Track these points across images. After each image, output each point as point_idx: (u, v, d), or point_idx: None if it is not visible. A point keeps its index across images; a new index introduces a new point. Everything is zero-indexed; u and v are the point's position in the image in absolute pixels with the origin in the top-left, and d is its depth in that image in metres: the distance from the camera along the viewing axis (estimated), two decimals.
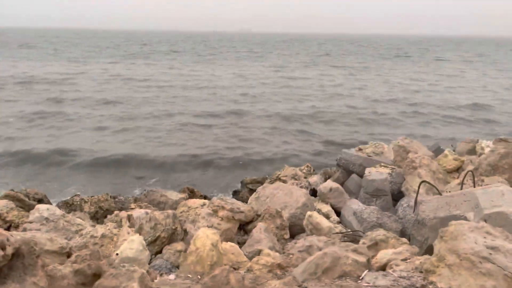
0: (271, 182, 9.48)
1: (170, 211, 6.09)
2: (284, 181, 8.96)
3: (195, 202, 7.74)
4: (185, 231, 5.81)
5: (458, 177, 6.84)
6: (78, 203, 8.00)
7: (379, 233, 3.65)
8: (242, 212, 5.11)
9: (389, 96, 25.37)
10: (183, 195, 8.39)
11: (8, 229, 6.11)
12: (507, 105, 23.27)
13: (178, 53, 62.88)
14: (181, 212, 6.73)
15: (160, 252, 5.41)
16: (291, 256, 3.76)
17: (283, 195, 6.26)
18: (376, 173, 6.12)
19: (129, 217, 5.39)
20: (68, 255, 4.68)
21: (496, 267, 2.64)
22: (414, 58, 62.61)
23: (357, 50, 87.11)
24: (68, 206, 8.04)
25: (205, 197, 9.36)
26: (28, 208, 8.00)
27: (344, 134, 16.90)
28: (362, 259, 2.87)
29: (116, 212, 5.64)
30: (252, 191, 10.89)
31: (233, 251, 3.69)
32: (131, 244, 4.64)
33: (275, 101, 23.50)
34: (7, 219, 6.34)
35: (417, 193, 4.43)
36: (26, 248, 2.52)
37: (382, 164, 7.29)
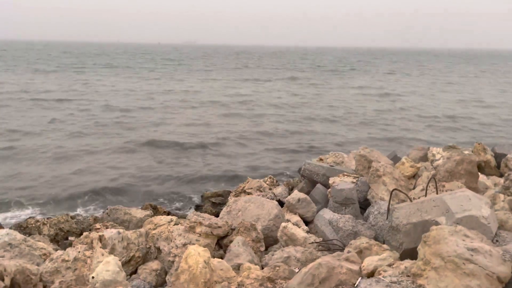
0: (236, 195, 9.51)
1: (142, 230, 5.95)
2: (249, 193, 9.01)
3: (162, 219, 7.60)
4: (159, 249, 5.70)
5: (415, 183, 7.28)
6: (35, 226, 7.56)
7: (363, 241, 3.83)
8: (220, 227, 5.11)
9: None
10: (147, 212, 8.18)
11: None
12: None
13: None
14: (152, 230, 6.59)
15: (135, 272, 5.27)
16: (277, 268, 3.82)
17: (255, 208, 6.32)
18: (344, 183, 6.37)
19: (101, 238, 5.19)
20: (40, 280, 4.44)
21: (478, 267, 2.87)
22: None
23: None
24: (23, 230, 7.56)
25: (168, 213, 9.18)
26: None
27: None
28: (355, 267, 3.01)
29: (85, 233, 5.40)
30: (214, 204, 10.87)
31: (221, 267, 3.68)
32: (107, 266, 4.49)
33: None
34: None
35: (389, 200, 4.68)
36: (21, 277, 2.37)
37: (345, 173, 7.57)
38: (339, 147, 16.33)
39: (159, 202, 11.18)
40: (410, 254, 4.12)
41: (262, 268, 4.62)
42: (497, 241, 3.68)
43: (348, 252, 3.64)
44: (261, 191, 8.92)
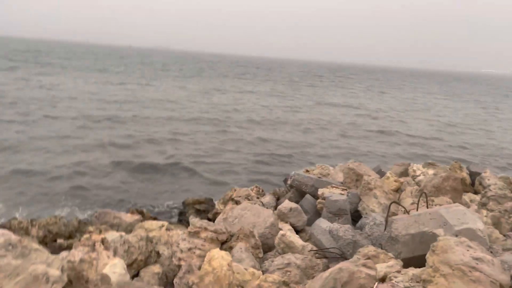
0: (224, 203, 9.64)
1: (142, 234, 5.99)
2: (238, 202, 9.17)
3: (152, 224, 7.65)
4: (158, 253, 5.76)
5: (399, 197, 7.70)
6: (21, 227, 7.40)
7: (370, 249, 4.10)
8: (224, 233, 5.26)
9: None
10: (137, 217, 8.18)
11: None
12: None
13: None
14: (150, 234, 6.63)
15: (136, 275, 5.31)
16: (288, 273, 4.01)
17: (251, 216, 6.50)
18: (337, 194, 6.67)
19: (103, 240, 5.21)
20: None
21: (483, 275, 3.19)
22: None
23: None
24: (7, 231, 7.38)
25: (155, 218, 9.19)
26: None
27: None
28: (372, 272, 3.26)
29: (86, 235, 5.38)
30: (198, 211, 10.92)
31: (238, 271, 3.84)
32: (114, 268, 4.55)
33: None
34: None
35: (388, 212, 5.00)
36: (73, 273, 2.44)
37: (333, 185, 7.89)
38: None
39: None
40: (408, 262, 4.43)
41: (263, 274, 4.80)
42: (491, 252, 4.04)
43: (358, 259, 3.90)
44: (249, 200, 9.10)
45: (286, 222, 7.27)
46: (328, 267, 5.23)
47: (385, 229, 4.95)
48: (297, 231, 7.17)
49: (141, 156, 15.55)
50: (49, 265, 3.05)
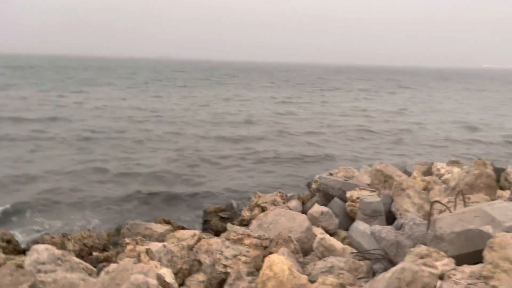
0: (250, 209, 9.70)
1: (184, 243, 6.08)
2: (264, 207, 9.24)
3: (184, 233, 7.72)
4: (199, 262, 5.83)
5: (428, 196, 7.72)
6: (55, 241, 7.49)
7: (423, 249, 4.14)
8: (267, 238, 5.32)
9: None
10: (167, 227, 8.26)
11: None
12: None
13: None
14: (174, 244, 6.70)
15: (182, 284, 5.38)
16: (341, 275, 4.07)
17: (286, 221, 6.56)
18: (371, 196, 6.72)
19: (147, 251, 5.28)
20: None
21: None
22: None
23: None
24: None
25: (182, 228, 9.26)
26: (14, 248, 7.36)
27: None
28: (435, 271, 3.31)
29: (130, 246, 5.48)
30: (223, 219, 10.98)
31: (294, 274, 3.90)
32: (164, 278, 4.62)
33: None
34: None
35: (430, 212, 5.04)
36: None
37: (361, 187, 7.93)
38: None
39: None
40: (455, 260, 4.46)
41: None
42: None
43: (410, 258, 3.94)
44: (275, 205, 9.15)
45: (318, 226, 7.32)
46: (372, 269, 5.28)
47: (428, 229, 4.99)
48: (330, 235, 7.22)
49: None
50: (146, 274, 3.12)
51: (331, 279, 3.73)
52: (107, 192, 12.65)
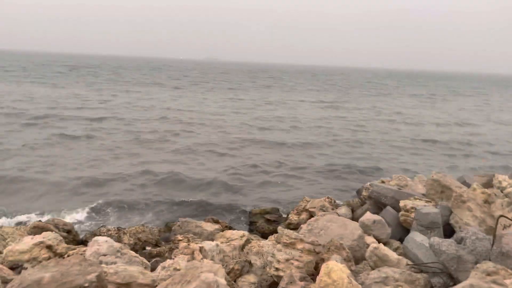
0: (298, 213, 9.67)
1: (236, 243, 6.14)
2: (312, 213, 9.17)
3: (233, 233, 7.79)
4: (250, 263, 5.87)
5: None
6: (111, 234, 7.82)
7: (489, 265, 3.94)
8: (320, 244, 5.26)
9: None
10: (217, 226, 8.39)
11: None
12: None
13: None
14: (224, 243, 6.76)
15: (233, 284, 5.43)
16: (399, 287, 3.94)
17: (337, 227, 6.45)
18: (429, 207, 6.47)
19: (201, 249, 5.39)
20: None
21: None
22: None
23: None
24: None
25: (230, 228, 9.37)
26: (73, 239, 7.77)
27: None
28: None
29: (183, 244, 5.60)
30: (269, 221, 10.98)
31: (353, 283, 3.83)
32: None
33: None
34: (58, 251, 6.16)
35: (495, 227, 4.78)
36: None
37: (416, 197, 7.66)
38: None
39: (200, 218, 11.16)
40: None
41: None
42: None
43: (476, 275, 3.75)
44: (324, 211, 9.05)
45: (369, 235, 7.14)
46: (429, 282, 5.08)
47: (492, 244, 4.73)
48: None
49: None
50: (216, 273, 3.20)
51: None
52: (157, 193, 13.00)
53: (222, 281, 2.85)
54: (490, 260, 4.69)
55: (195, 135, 21.89)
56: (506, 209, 6.75)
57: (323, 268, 3.71)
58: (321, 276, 3.63)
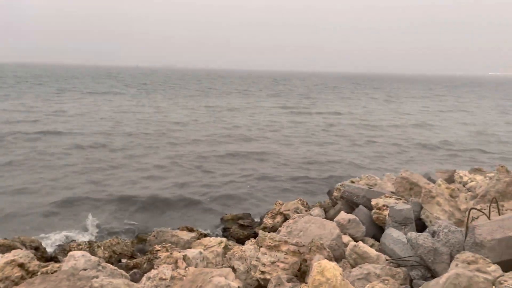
0: (273, 217, 9.74)
1: (219, 250, 6.12)
2: (287, 215, 9.27)
3: (211, 240, 7.76)
4: (233, 268, 5.86)
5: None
6: (82, 248, 7.55)
7: (468, 255, 4.16)
8: (304, 245, 5.35)
9: None
10: (193, 234, 8.31)
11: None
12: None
13: None
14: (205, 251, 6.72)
15: None
16: (386, 281, 4.09)
17: (316, 228, 6.57)
18: (401, 204, 6.74)
19: (184, 258, 5.33)
20: None
21: None
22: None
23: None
24: (66, 253, 7.54)
25: (205, 235, 9.29)
26: (41, 255, 7.41)
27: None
28: (489, 276, 3.33)
29: (166, 253, 5.51)
30: (243, 226, 11.00)
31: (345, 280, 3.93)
32: None
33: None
34: (30, 269, 5.87)
35: (467, 219, 5.06)
36: None
37: (386, 195, 7.95)
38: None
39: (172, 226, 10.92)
40: None
41: None
42: None
43: (457, 265, 3.97)
44: (298, 213, 9.18)
45: (345, 234, 7.33)
46: (409, 275, 5.29)
47: (466, 236, 5.01)
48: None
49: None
50: (226, 277, 3.17)
51: (380, 284, 3.76)
52: (117, 208, 12.56)
53: (234, 284, 2.85)
54: (464, 250, 4.96)
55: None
56: (470, 202, 7.16)
57: (315, 267, 3.79)
58: (314, 275, 3.70)
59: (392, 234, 5.90)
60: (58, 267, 5.86)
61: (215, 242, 7.51)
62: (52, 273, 5.73)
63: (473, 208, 5.41)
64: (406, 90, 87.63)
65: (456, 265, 4.04)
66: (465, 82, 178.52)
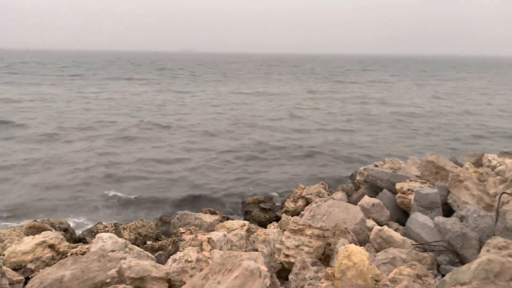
0: (294, 200, 9.73)
1: (242, 233, 6.15)
2: (309, 199, 9.24)
3: (234, 223, 7.80)
4: (257, 251, 5.89)
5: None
6: (108, 230, 7.72)
7: (499, 240, 4.07)
8: (328, 229, 5.32)
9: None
10: (216, 217, 8.38)
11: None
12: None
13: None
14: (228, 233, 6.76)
15: None
16: (413, 266, 4.04)
17: (339, 212, 6.53)
18: (427, 188, 6.61)
19: (209, 240, 5.38)
20: (168, 280, 4.64)
21: None
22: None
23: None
24: (94, 235, 7.72)
25: (227, 218, 9.36)
26: (70, 237, 7.63)
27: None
28: None
29: (191, 236, 5.58)
30: (264, 210, 11.04)
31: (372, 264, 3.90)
32: None
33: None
34: (60, 250, 6.04)
35: (498, 204, 4.93)
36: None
37: (411, 178, 7.81)
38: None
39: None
40: None
41: None
42: None
43: (488, 250, 3.88)
44: (320, 197, 9.14)
45: (369, 218, 7.26)
46: (436, 260, 5.21)
47: (496, 220, 4.88)
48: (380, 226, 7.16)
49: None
50: (256, 261, 3.19)
51: (408, 269, 3.71)
52: (142, 190, 12.79)
53: (264, 268, 2.86)
54: (494, 235, 4.84)
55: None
56: (499, 187, 6.98)
57: (342, 251, 3.76)
58: (341, 259, 3.68)
59: (418, 218, 5.81)
60: (87, 248, 6.03)
61: (238, 225, 7.56)
62: (82, 254, 5.92)
63: (504, 193, 5.25)
64: None
65: (488, 250, 3.95)
66: None
